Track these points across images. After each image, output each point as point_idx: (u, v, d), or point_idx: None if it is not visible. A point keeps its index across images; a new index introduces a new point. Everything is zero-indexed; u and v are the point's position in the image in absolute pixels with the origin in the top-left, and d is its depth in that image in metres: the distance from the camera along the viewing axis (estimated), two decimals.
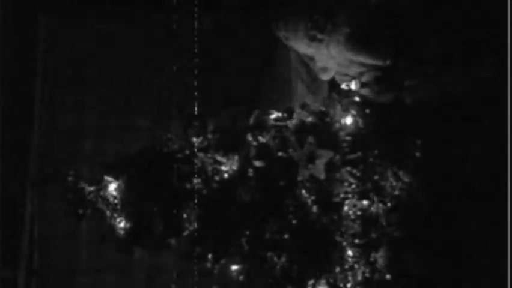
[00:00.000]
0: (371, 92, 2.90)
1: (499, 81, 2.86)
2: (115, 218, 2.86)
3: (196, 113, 3.42)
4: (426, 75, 2.87)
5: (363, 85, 2.89)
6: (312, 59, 3.06)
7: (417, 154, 2.87)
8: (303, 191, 2.88)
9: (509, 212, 2.81)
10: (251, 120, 2.95)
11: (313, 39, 2.92)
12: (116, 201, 2.86)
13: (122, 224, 2.86)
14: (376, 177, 2.87)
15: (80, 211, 2.86)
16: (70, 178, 2.88)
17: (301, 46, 3.01)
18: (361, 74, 2.93)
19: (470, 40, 2.85)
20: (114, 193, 2.86)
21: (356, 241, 2.85)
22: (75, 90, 3.75)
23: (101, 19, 3.76)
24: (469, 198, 2.86)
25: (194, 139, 2.93)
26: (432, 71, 2.86)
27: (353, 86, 2.91)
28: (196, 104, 3.58)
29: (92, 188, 2.86)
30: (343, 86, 2.93)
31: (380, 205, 2.86)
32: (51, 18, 3.77)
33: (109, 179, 2.88)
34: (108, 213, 2.86)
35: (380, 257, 2.84)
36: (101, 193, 2.86)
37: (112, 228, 2.88)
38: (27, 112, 3.76)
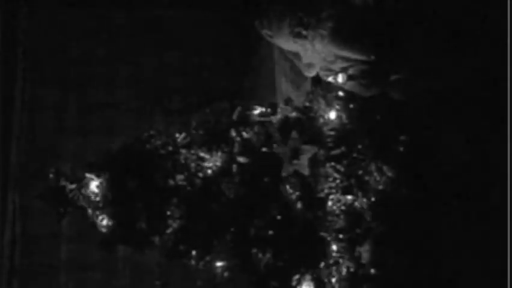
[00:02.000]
0: (357, 86, 2.89)
1: (488, 74, 2.86)
2: (97, 216, 2.84)
3: (179, 109, 3.41)
4: (412, 68, 2.87)
5: (349, 78, 2.88)
6: (296, 55, 3.05)
7: (401, 149, 2.88)
8: (287, 187, 2.87)
9: (509, 211, 2.82)
10: (235, 116, 2.94)
11: (298, 35, 2.91)
12: (98, 198, 2.83)
13: (104, 222, 2.83)
14: (360, 172, 2.87)
15: (62, 209, 2.83)
16: (51, 176, 2.84)
17: (286, 43, 3.00)
18: (345, 69, 2.93)
19: (458, 31, 2.85)
20: (96, 190, 2.84)
21: (341, 236, 2.85)
22: (56, 88, 3.73)
23: (81, 16, 3.73)
24: (453, 194, 2.87)
25: (177, 135, 2.91)
26: (419, 64, 2.86)
27: (340, 79, 2.90)
28: (178, 100, 3.57)
29: (73, 186, 2.83)
30: (330, 79, 2.92)
31: (364, 200, 2.86)
32: (30, 17, 3.74)
33: (91, 176, 2.85)
34: (90, 211, 2.84)
35: (364, 251, 2.84)
36: (83, 191, 2.84)
37: (95, 226, 2.85)
38: (8, 110, 3.72)
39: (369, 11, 2.84)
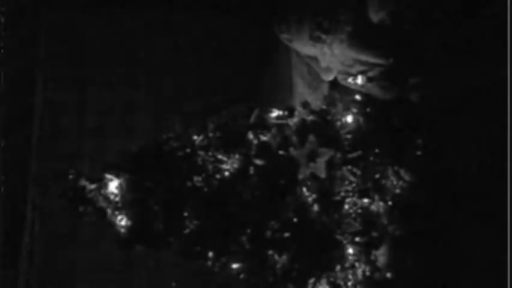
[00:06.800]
0: (377, 87, 2.89)
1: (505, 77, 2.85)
2: (116, 216, 2.86)
3: (197, 111, 3.43)
4: (430, 71, 2.87)
5: (369, 80, 2.89)
6: (314, 59, 3.07)
7: (419, 153, 2.87)
8: (304, 189, 2.88)
9: (509, 211, 2.81)
10: (252, 119, 2.95)
11: (317, 40, 2.93)
12: (117, 199, 2.86)
13: (123, 222, 2.86)
14: (377, 176, 2.87)
15: (81, 209, 2.86)
16: (70, 176, 2.88)
17: (305, 47, 3.02)
18: (364, 72, 2.94)
19: (475, 33, 2.85)
20: (115, 191, 2.86)
21: (357, 239, 2.85)
22: (76, 89, 3.76)
23: (102, 18, 3.77)
24: (470, 197, 2.86)
25: (194, 137, 2.93)
26: (437, 67, 2.86)
27: (359, 81, 2.91)
28: (196, 102, 3.59)
29: (92, 186, 2.87)
30: (349, 80, 2.93)
31: (381, 203, 2.86)
32: (52, 17, 3.77)
33: (110, 177, 2.88)
34: (109, 211, 2.87)
35: (380, 255, 2.84)
36: (102, 191, 2.86)
37: (113, 226, 2.88)
38: (29, 110, 3.76)
39: (386, 27, 2.85)
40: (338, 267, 2.86)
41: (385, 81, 2.88)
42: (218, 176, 2.88)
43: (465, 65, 2.86)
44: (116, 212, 2.86)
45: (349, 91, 2.98)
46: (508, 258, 2.79)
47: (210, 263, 2.88)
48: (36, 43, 3.77)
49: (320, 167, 2.85)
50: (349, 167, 2.87)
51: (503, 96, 2.86)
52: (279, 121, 2.95)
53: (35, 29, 3.77)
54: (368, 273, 2.84)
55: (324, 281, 2.86)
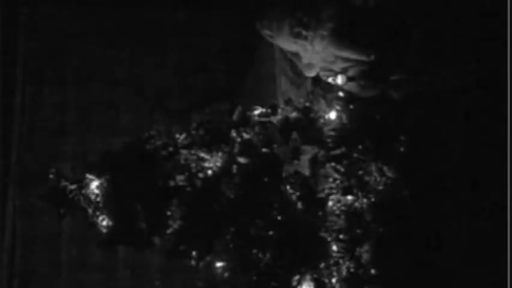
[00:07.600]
0: (357, 87, 2.90)
1: (488, 77, 2.88)
2: (98, 216, 2.84)
3: (179, 109, 3.42)
4: (412, 69, 2.88)
5: (349, 79, 2.89)
6: (296, 55, 3.06)
7: (402, 149, 2.88)
8: (288, 187, 2.87)
9: (509, 211, 2.83)
10: (235, 116, 2.94)
11: (298, 36, 2.92)
12: (98, 199, 2.83)
13: (104, 222, 2.83)
14: (360, 173, 2.87)
15: (62, 210, 2.83)
16: (51, 176, 2.85)
17: (286, 43, 3.02)
18: (346, 69, 2.94)
19: (458, 35, 2.87)
20: (96, 191, 2.84)
21: (341, 236, 2.85)
22: (56, 88, 3.73)
23: (81, 15, 3.73)
24: (453, 194, 2.87)
25: (177, 136, 2.91)
26: (419, 66, 2.88)
27: (339, 80, 2.91)
28: (179, 100, 3.57)
29: (74, 187, 2.84)
30: (329, 80, 2.93)
31: (365, 200, 2.87)
32: (31, 16, 3.74)
33: (91, 177, 2.85)
34: (90, 211, 2.84)
35: (364, 252, 2.84)
36: (83, 191, 2.84)
37: (95, 227, 2.85)
38: (8, 110, 3.72)
39: (369, 11, 2.85)
40: (322, 265, 2.85)
41: (365, 81, 2.89)
42: (201, 175, 2.86)
43: (447, 64, 2.88)
44: (98, 213, 2.83)
45: (332, 88, 2.97)
46: (508, 258, 2.81)
47: (193, 262, 2.87)
48: (16, 40, 3.73)
49: (303, 165, 2.85)
50: (332, 164, 2.87)
51: (486, 96, 2.88)
52: (262, 119, 2.94)
53: (15, 25, 3.73)
54: (352, 270, 2.84)
55: (308, 278, 2.86)
